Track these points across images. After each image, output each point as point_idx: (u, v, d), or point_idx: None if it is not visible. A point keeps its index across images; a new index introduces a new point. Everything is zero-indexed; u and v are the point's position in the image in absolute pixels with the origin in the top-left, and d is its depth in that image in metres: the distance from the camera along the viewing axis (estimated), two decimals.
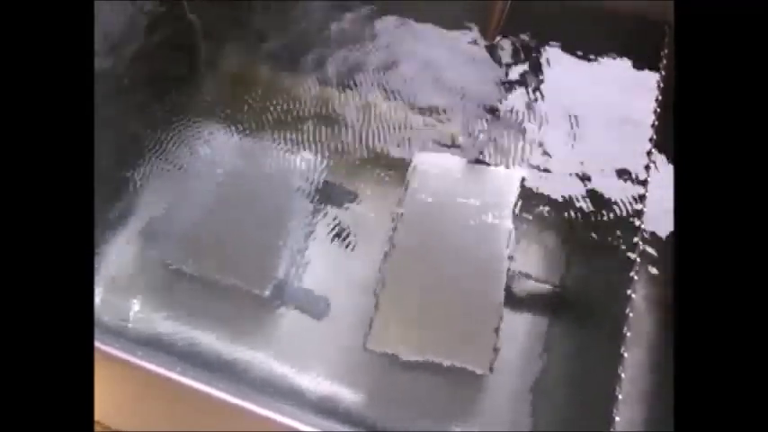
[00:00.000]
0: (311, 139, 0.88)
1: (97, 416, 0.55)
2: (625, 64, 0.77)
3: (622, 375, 0.50)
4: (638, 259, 0.56)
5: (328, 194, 0.84)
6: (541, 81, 0.83)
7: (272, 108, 0.90)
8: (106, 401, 0.45)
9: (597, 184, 0.78)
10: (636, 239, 0.57)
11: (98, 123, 0.44)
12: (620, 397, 0.49)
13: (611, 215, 0.74)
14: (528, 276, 0.77)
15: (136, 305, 0.80)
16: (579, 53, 0.79)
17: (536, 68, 0.83)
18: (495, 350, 0.69)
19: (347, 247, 0.82)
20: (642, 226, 0.58)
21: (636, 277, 0.55)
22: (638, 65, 0.75)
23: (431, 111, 0.88)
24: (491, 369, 0.68)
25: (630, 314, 0.53)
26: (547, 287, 0.77)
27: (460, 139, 0.85)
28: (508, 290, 0.74)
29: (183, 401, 0.53)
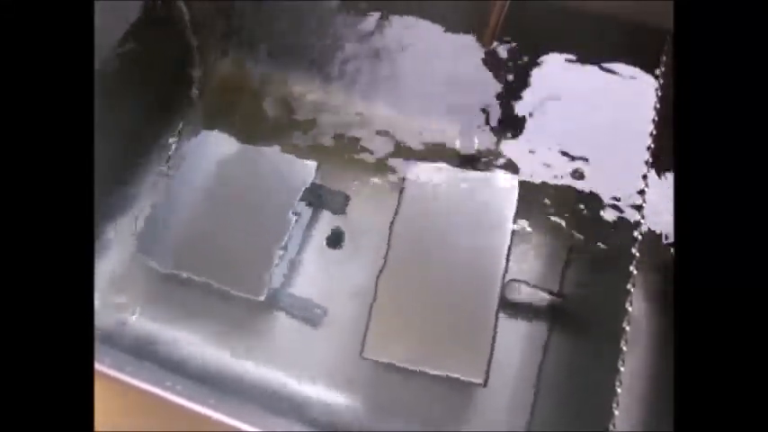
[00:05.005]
0: (306, 144, 0.88)
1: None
2: (623, 71, 0.76)
3: (619, 390, 0.50)
4: (636, 271, 0.55)
5: (324, 201, 0.83)
6: (539, 87, 0.82)
7: (266, 112, 0.90)
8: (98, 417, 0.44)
9: (594, 192, 0.77)
10: (633, 250, 0.57)
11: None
12: (616, 413, 0.48)
13: (609, 225, 0.73)
14: (525, 285, 0.77)
15: (128, 312, 0.79)
16: (577, 59, 0.79)
17: (533, 74, 0.82)
18: (491, 360, 0.69)
19: (343, 253, 0.82)
20: (640, 237, 0.57)
21: (633, 289, 0.54)
22: (637, 72, 0.74)
23: (427, 116, 0.87)
24: (486, 379, 0.68)
25: (627, 327, 0.52)
26: (543, 297, 0.76)
27: (457, 146, 0.85)
28: (504, 299, 0.73)
29: (175, 418, 0.53)
